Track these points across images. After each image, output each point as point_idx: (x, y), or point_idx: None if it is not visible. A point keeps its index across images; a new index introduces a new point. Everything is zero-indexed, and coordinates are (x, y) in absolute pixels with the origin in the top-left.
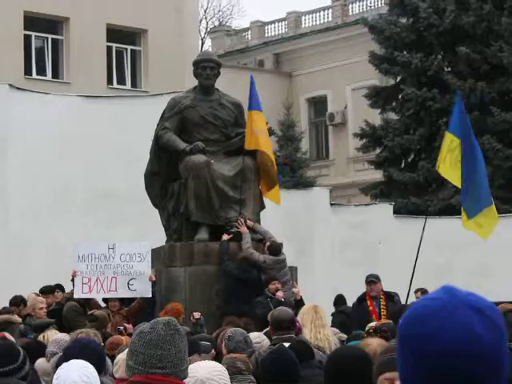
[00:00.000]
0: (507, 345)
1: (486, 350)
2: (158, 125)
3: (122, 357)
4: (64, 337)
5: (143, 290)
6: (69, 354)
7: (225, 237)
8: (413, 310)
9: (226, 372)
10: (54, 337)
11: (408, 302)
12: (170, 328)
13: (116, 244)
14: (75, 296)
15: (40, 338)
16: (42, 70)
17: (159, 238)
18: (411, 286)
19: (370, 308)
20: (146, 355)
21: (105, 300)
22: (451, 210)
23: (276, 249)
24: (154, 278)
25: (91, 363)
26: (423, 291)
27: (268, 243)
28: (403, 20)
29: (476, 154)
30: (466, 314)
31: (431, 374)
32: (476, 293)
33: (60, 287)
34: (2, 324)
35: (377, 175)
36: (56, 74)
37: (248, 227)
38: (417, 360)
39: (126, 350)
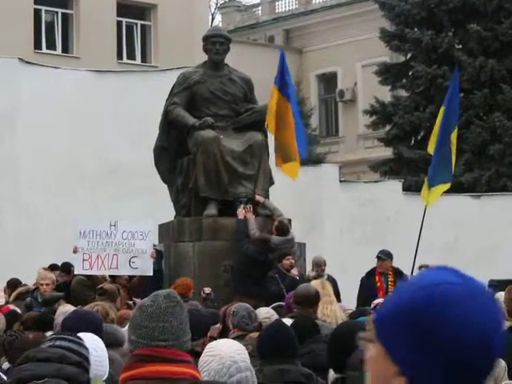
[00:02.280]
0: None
1: (500, 341)
2: (167, 100)
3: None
4: (72, 309)
5: (145, 268)
6: (66, 325)
7: (240, 214)
8: (435, 296)
9: (246, 350)
10: (63, 309)
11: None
12: (170, 300)
13: (118, 221)
14: (76, 272)
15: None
16: (51, 45)
17: (167, 213)
18: (415, 263)
19: (378, 284)
20: (148, 328)
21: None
22: (460, 188)
23: (284, 229)
24: (154, 255)
25: None
26: (427, 268)
27: (276, 223)
28: None
29: (451, 127)
30: (490, 303)
31: (451, 365)
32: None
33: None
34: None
35: (386, 152)
36: (66, 48)
37: (258, 203)
38: (441, 349)
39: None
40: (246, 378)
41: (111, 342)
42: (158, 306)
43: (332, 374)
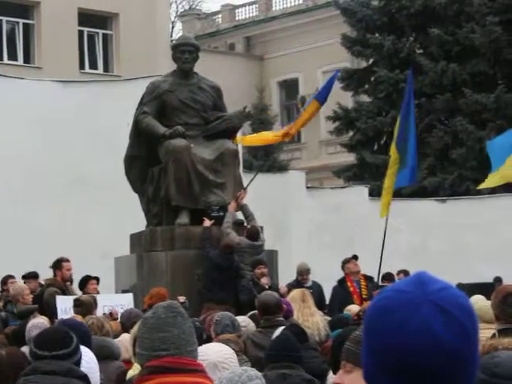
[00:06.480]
0: (477, 343)
1: (445, 349)
2: (137, 109)
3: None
4: (43, 320)
5: None
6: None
7: (206, 223)
8: (379, 301)
9: (235, 354)
10: (35, 322)
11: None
12: (170, 311)
13: (97, 297)
14: None
15: None
16: (13, 55)
17: (136, 223)
18: (381, 269)
19: (351, 289)
20: (150, 339)
21: (80, 287)
22: (423, 192)
23: (253, 234)
24: None
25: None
26: (406, 273)
27: (248, 226)
28: (375, 2)
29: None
30: (429, 312)
31: (391, 370)
32: (451, 286)
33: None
34: None
35: (349, 158)
36: (27, 58)
37: (240, 205)
38: (379, 354)
39: (125, 335)
40: None
41: (107, 355)
42: (157, 317)
43: (331, 377)
